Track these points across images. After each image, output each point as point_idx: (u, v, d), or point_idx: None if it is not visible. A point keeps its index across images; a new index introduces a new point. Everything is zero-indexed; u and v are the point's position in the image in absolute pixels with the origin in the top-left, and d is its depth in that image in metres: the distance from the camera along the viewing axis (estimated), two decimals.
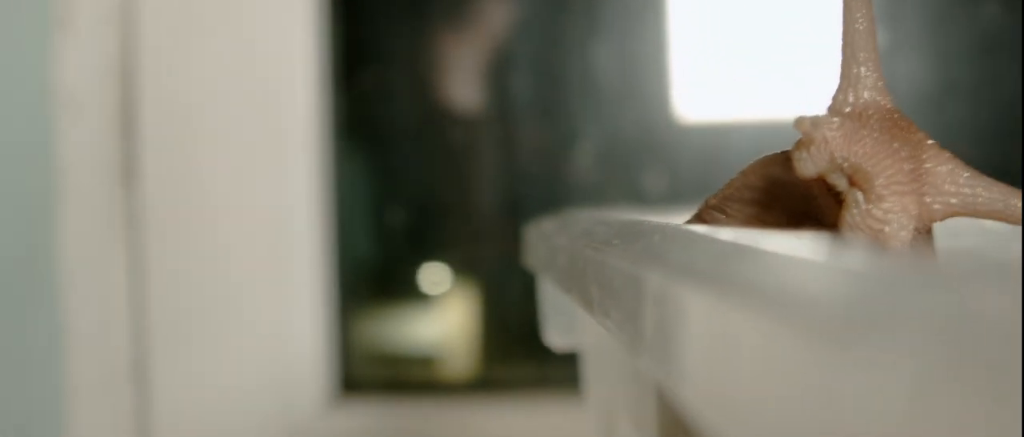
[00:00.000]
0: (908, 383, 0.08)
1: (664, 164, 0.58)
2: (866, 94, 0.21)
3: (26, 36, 0.51)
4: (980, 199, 0.21)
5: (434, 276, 0.60)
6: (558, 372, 0.52)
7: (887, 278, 0.10)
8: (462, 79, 0.59)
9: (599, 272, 0.20)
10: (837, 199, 0.21)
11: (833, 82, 0.22)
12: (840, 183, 0.21)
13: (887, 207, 0.20)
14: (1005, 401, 0.07)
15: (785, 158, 0.22)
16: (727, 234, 0.17)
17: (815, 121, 0.21)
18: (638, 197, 0.58)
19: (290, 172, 0.55)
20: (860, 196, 0.21)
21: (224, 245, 0.54)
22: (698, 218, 0.23)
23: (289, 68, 0.55)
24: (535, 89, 0.59)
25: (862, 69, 0.21)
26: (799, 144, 0.21)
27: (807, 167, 0.20)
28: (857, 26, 0.21)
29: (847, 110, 0.21)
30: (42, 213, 0.51)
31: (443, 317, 0.60)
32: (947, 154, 0.21)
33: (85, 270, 0.52)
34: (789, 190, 0.22)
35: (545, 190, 0.59)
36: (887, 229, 0.20)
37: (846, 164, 0.21)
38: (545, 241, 0.28)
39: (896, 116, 0.21)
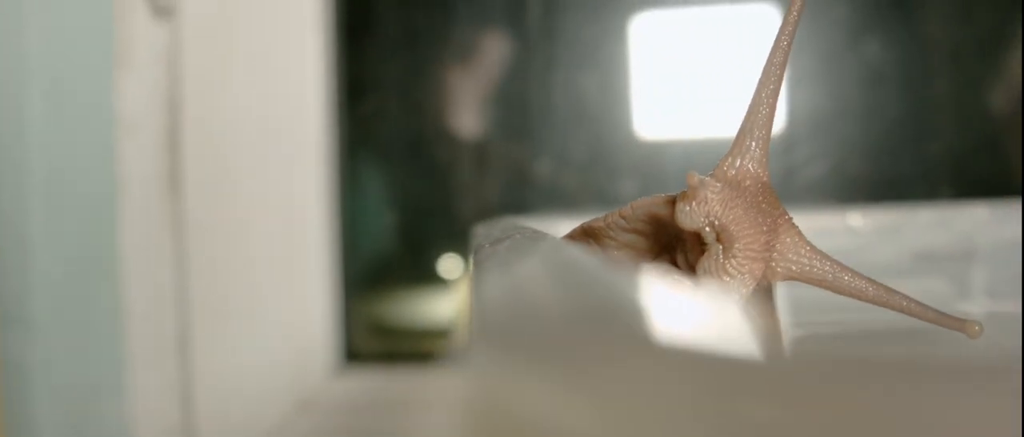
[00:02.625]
0: None
1: (629, 176, 0.58)
2: (750, 165, 0.22)
3: (94, 72, 0.52)
4: (814, 270, 0.22)
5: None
6: None
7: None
8: (451, 105, 0.60)
9: (472, 265, 0.21)
10: (701, 245, 0.22)
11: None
12: (708, 237, 0.21)
13: (737, 265, 0.21)
14: None
15: (668, 201, 0.22)
16: (547, 247, 0.19)
17: (702, 181, 0.21)
18: (606, 204, 0.57)
19: (306, 182, 0.56)
20: (720, 250, 0.21)
21: (252, 242, 0.56)
22: (580, 232, 0.24)
23: (304, 96, 0.56)
24: (514, 112, 0.60)
25: (753, 143, 0.22)
26: (684, 196, 0.21)
27: (687, 220, 0.21)
28: (762, 109, 0.22)
29: (731, 173, 0.22)
30: (105, 215, 0.52)
31: (440, 300, 0.59)
32: (796, 230, 0.22)
33: (139, 262, 0.54)
34: (664, 228, 0.22)
35: (516, 198, 0.59)
36: (732, 282, 0.21)
37: (717, 223, 0.21)
38: (473, 239, 0.28)
39: (768, 190, 0.22)
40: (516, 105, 0.60)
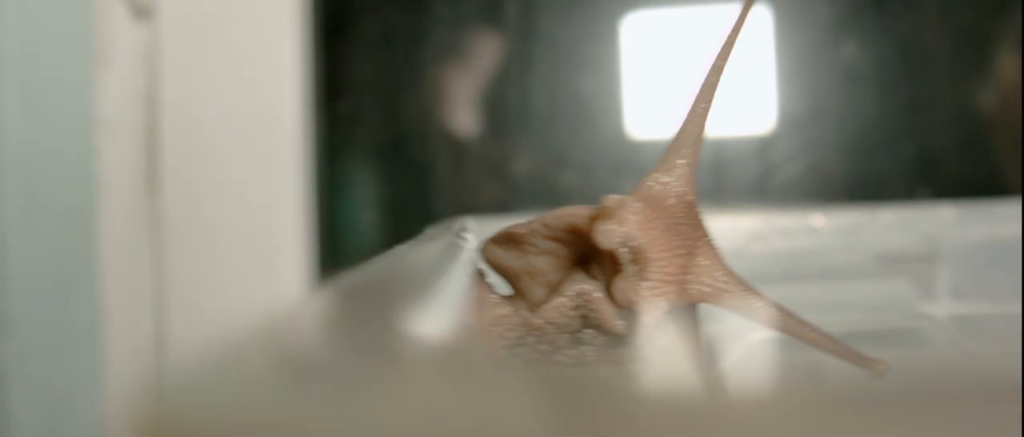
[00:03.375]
0: None
1: (608, 174, 0.59)
2: (676, 183, 0.22)
3: (72, 72, 0.53)
4: (727, 293, 0.22)
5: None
6: None
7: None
8: (432, 104, 0.60)
9: None
10: (616, 263, 0.22)
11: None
12: (623, 257, 0.21)
13: (650, 287, 0.21)
14: None
15: (589, 215, 0.22)
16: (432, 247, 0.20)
17: (620, 201, 0.21)
18: (583, 203, 0.60)
19: (284, 182, 0.56)
20: (635, 272, 0.21)
21: (230, 243, 0.56)
22: (504, 238, 0.23)
23: (282, 96, 0.56)
24: (492, 111, 0.60)
25: (681, 162, 0.22)
26: (603, 214, 0.21)
27: (603, 240, 0.21)
28: (693, 127, 0.22)
29: (656, 190, 0.22)
30: (84, 215, 0.53)
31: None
32: (714, 253, 0.22)
33: (118, 262, 0.54)
34: (583, 239, 0.22)
35: (494, 198, 0.59)
36: (643, 304, 0.21)
37: (634, 244, 0.21)
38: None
39: (691, 210, 0.22)
40: (494, 104, 0.61)
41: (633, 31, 0.60)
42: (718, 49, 0.22)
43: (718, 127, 0.59)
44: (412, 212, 0.61)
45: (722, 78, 0.23)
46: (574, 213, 0.22)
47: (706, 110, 0.22)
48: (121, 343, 0.54)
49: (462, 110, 0.60)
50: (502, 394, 0.08)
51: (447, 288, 0.17)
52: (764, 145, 0.59)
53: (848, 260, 0.42)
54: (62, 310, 0.53)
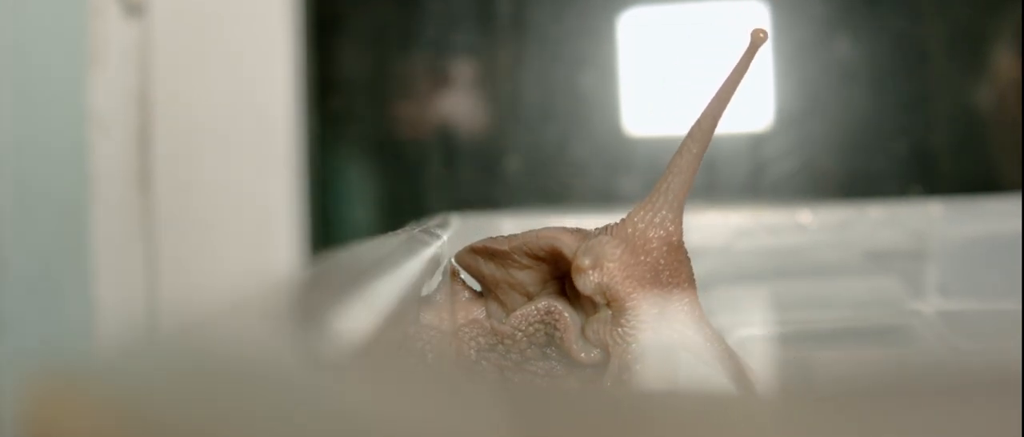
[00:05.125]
0: None
1: (599, 171, 0.59)
2: (661, 225, 0.21)
3: (65, 70, 0.53)
4: (692, 344, 0.21)
5: None
6: None
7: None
8: (409, 101, 0.60)
9: None
10: (593, 303, 0.22)
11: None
12: (599, 299, 0.21)
13: (623, 335, 0.21)
14: None
15: (573, 246, 0.22)
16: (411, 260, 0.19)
17: (601, 247, 0.21)
18: (574, 200, 0.59)
19: (276, 178, 0.56)
20: (609, 317, 0.21)
21: (222, 239, 0.56)
22: (485, 253, 0.23)
23: (274, 93, 0.57)
24: (484, 108, 0.60)
25: (668, 201, 0.21)
26: (584, 253, 0.21)
27: (581, 285, 0.21)
28: (682, 169, 0.22)
29: (641, 228, 0.21)
30: (77, 212, 0.53)
31: None
32: (691, 299, 0.22)
33: (111, 256, 0.54)
34: (560, 265, 0.22)
35: (485, 193, 0.59)
36: (616, 349, 0.21)
37: (611, 292, 0.21)
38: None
39: (675, 251, 0.21)
40: (486, 101, 0.61)
41: (629, 27, 0.60)
42: (715, 95, 0.22)
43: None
44: (405, 208, 0.61)
45: (717, 125, 0.22)
46: (559, 238, 0.22)
47: (698, 154, 0.22)
48: (113, 333, 0.54)
49: (455, 107, 0.60)
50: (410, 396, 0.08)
51: (396, 284, 0.16)
52: (758, 141, 0.59)
53: (837, 257, 0.42)
54: (55, 306, 0.53)
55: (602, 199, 0.59)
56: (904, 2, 0.59)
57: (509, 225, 0.37)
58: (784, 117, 0.59)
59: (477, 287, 0.24)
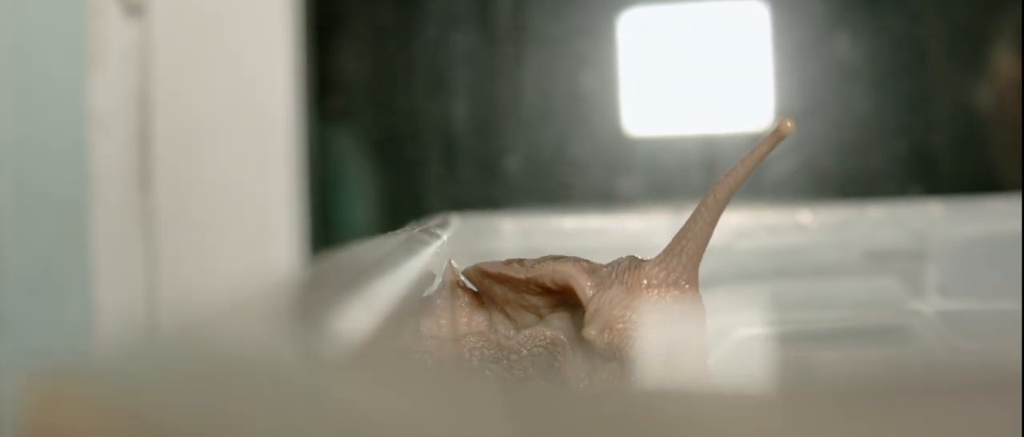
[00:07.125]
0: None
1: (599, 172, 0.60)
2: (674, 287, 0.22)
3: (66, 70, 0.54)
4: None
5: None
6: None
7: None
8: (415, 99, 0.61)
9: None
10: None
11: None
12: (608, 356, 0.22)
13: (628, 384, 0.21)
14: None
15: (588, 277, 0.22)
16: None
17: (610, 317, 0.21)
18: (574, 200, 0.59)
19: (276, 178, 0.57)
20: (614, 366, 0.22)
21: (223, 239, 0.56)
22: (498, 278, 0.23)
23: (274, 93, 0.57)
24: (483, 108, 0.60)
25: (678, 269, 0.22)
26: (591, 321, 0.21)
27: (591, 340, 0.21)
28: (695, 242, 0.22)
29: (655, 283, 0.22)
30: (78, 210, 0.54)
31: None
32: (700, 344, 0.22)
33: (111, 256, 0.55)
34: (573, 298, 0.22)
35: (485, 193, 0.60)
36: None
37: (618, 350, 0.21)
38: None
39: (689, 299, 0.22)
40: (485, 101, 0.61)
41: (629, 27, 0.61)
42: (733, 170, 0.23)
43: (712, 123, 0.59)
44: (405, 208, 0.62)
45: (730, 197, 0.23)
46: (574, 278, 0.22)
47: (712, 221, 0.22)
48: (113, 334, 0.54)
49: (455, 106, 0.61)
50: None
51: (397, 285, 0.16)
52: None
53: (837, 257, 0.42)
54: (55, 306, 0.54)
55: (602, 199, 0.59)
56: (904, 2, 0.59)
57: (509, 225, 0.37)
58: (783, 116, 0.59)
59: (476, 289, 0.24)
